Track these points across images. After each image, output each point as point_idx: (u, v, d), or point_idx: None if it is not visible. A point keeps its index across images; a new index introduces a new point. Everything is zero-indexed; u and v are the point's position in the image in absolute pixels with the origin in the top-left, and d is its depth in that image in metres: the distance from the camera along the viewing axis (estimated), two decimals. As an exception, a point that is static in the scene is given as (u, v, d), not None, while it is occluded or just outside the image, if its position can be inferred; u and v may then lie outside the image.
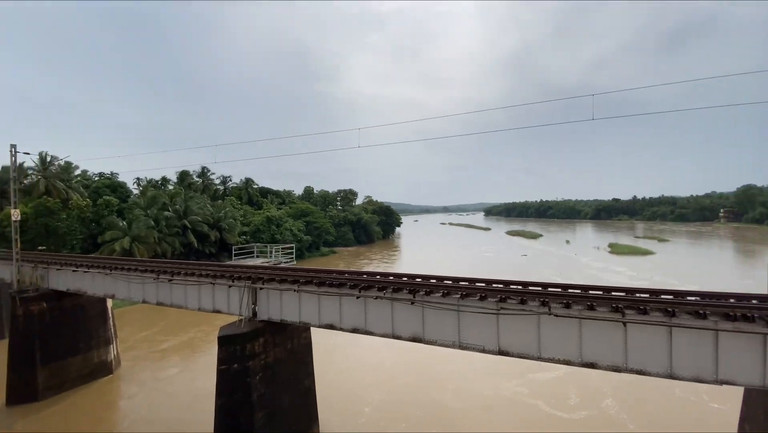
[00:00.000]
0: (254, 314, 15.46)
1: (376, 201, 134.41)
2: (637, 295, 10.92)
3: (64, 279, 22.11)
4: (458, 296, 11.92)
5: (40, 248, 37.78)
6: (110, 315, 25.25)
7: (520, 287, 12.05)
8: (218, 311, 16.32)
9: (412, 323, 12.64)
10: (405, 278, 13.74)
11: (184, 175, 78.05)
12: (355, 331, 13.67)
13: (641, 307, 9.89)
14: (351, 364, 25.05)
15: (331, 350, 26.42)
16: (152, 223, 53.62)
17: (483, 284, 12.50)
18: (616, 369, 10.07)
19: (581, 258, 70.77)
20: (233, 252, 27.69)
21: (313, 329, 16.80)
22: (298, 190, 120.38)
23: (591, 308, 10.39)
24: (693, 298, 10.36)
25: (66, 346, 22.67)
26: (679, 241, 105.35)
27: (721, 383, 9.03)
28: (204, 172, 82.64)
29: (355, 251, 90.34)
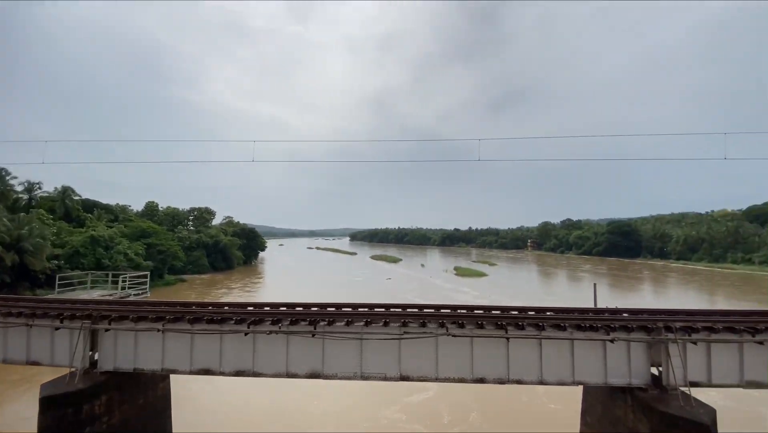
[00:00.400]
0: (93, 364, 11.83)
1: (238, 222, 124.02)
2: (511, 312, 12.59)
3: None
4: (362, 323, 11.60)
5: None
6: None
7: (416, 310, 12.51)
8: (36, 363, 11.92)
9: (311, 358, 11.66)
10: (300, 308, 12.70)
11: (-38, 177, 57.07)
12: (239, 374, 11.82)
13: (519, 323, 11.39)
14: (212, 406, 21.47)
15: (194, 395, 22.17)
16: None
17: (383, 309, 12.50)
18: (501, 382, 11.24)
19: (435, 280, 79.16)
20: (57, 282, 20.70)
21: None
22: (138, 206, 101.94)
23: (480, 326, 11.44)
24: (550, 313, 12.50)
25: None
26: (503, 264, 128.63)
27: (577, 383, 11.00)
28: (1, 175, 62.18)
29: (209, 279, 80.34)
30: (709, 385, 10.66)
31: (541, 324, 11.21)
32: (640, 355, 10.99)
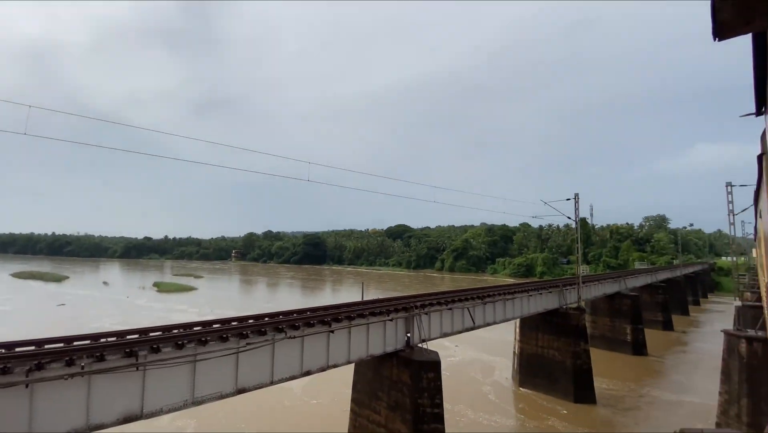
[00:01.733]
0: None
1: None
2: (318, 311, 15.10)
3: None
4: (193, 343, 10.70)
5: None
6: None
7: (252, 321, 12.79)
8: None
9: (126, 398, 9.53)
10: (112, 339, 10.01)
11: None
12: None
13: (338, 317, 14.12)
14: None
15: None
16: None
17: (219, 325, 11.90)
18: (323, 369, 13.54)
19: (135, 300, 66.03)
20: None
21: None
22: None
23: (309, 324, 13.32)
24: (344, 308, 15.98)
25: None
26: (210, 276, 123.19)
27: (370, 356, 14.94)
28: None
29: None
30: (430, 339, 17.38)
31: (341, 317, 14.34)
32: (401, 327, 16.36)
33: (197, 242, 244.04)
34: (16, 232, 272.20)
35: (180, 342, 10.44)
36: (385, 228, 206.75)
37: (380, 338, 15.50)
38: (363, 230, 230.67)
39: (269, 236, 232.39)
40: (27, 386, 8.26)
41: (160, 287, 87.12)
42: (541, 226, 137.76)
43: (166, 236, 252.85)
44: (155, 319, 46.69)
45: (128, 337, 10.38)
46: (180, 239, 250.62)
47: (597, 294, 36.44)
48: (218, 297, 73.85)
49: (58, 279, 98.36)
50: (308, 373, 13.15)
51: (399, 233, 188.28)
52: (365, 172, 45.86)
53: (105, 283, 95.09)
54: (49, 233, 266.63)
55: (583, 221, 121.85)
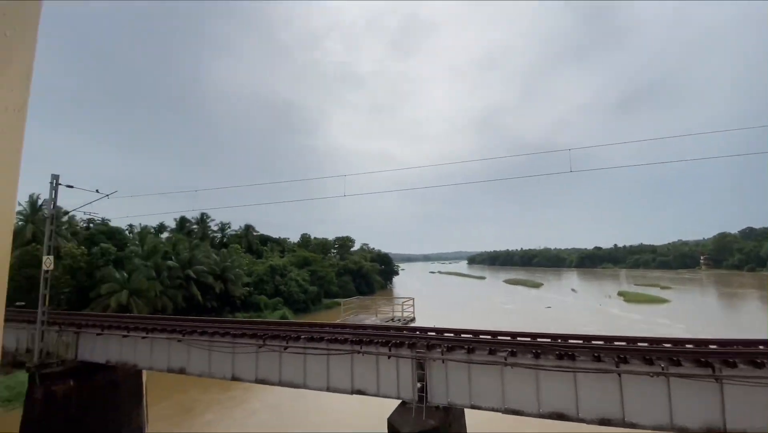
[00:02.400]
0: (421, 398, 11.26)
1: (373, 249, 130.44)
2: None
3: (97, 347, 17.02)
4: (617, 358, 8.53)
5: (18, 303, 32.08)
6: (144, 393, 19.74)
7: (625, 344, 8.90)
8: (360, 392, 11.90)
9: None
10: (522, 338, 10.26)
11: (183, 222, 72.45)
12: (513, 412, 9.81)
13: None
14: None
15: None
16: (153, 274, 47.63)
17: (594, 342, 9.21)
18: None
19: (608, 309, 68.20)
20: (342, 306, 22.84)
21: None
22: (290, 237, 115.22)
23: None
24: None
25: (92, 440, 16.95)
26: (679, 287, 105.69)
27: None
28: (203, 219, 77.21)
29: (360, 303, 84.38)
30: None
31: None
32: None
33: (651, 249, 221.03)
34: (496, 249, 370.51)
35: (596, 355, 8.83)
36: None
37: None
38: None
39: (752, 235, 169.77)
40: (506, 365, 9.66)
41: (627, 297, 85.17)
42: None
43: (615, 245, 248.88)
44: (638, 330, 45.39)
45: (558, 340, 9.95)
46: (631, 246, 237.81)
47: None
48: (697, 313, 61.43)
49: (536, 285, 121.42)
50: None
51: None
52: None
53: (573, 290, 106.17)
54: (518, 249, 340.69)
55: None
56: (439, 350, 10.76)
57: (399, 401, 11.16)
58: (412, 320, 16.78)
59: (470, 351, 10.43)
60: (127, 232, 61.28)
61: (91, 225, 55.50)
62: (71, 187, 17.94)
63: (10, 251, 0.89)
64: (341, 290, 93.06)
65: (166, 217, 74.64)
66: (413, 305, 17.90)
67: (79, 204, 19.04)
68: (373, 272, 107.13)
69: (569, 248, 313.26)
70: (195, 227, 77.49)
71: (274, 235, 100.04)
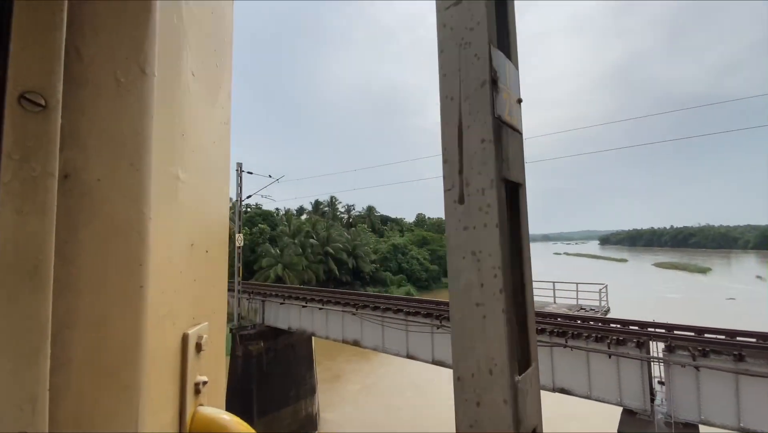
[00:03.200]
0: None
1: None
2: None
3: (280, 314, 19.17)
4: None
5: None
6: (315, 358, 21.83)
7: None
8: (565, 391, 10.47)
9: None
10: None
11: (317, 204, 79.93)
12: None
13: None
14: None
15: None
16: (300, 250, 53.48)
17: None
18: None
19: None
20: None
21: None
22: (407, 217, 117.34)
23: None
24: None
25: (278, 395, 19.42)
26: None
27: None
28: (332, 202, 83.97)
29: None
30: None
31: None
32: None
33: None
34: (627, 228, 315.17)
35: None
36: None
37: None
38: None
39: None
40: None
41: None
42: None
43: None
44: None
45: None
46: None
47: None
48: None
49: (702, 271, 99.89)
50: None
51: None
52: None
53: (759, 277, 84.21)
54: (668, 227, 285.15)
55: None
56: (687, 353, 8.52)
57: (619, 409, 9.35)
58: (608, 311, 14.37)
59: (739, 358, 7.95)
60: (275, 214, 70.29)
61: (248, 209, 65.08)
62: (251, 173, 20.20)
63: (227, 236, 1.10)
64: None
65: (300, 201, 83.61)
66: (606, 292, 15.32)
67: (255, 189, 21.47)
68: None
69: (743, 224, 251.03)
70: (326, 209, 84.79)
71: (391, 215, 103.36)
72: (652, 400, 8.77)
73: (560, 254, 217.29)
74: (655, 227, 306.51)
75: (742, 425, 7.86)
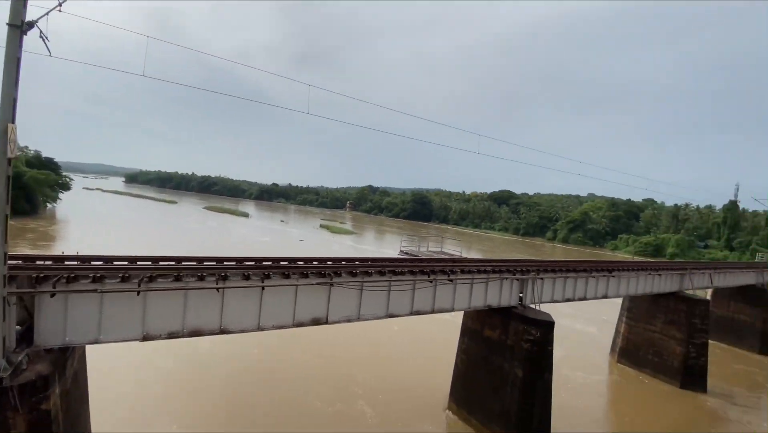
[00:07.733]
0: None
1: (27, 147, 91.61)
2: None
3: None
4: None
5: None
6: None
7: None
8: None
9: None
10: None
11: None
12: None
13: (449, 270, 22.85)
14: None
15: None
16: None
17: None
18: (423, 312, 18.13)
19: (342, 240, 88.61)
20: None
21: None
22: None
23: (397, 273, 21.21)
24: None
25: None
26: (355, 223, 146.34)
27: (487, 306, 21.00)
28: None
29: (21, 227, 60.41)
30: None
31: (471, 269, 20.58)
32: (514, 287, 21.42)
33: (315, 191, 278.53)
34: (146, 168, 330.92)
35: (354, 271, 15.44)
36: (482, 191, 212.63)
37: (481, 293, 20.03)
38: (460, 192, 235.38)
39: (378, 191, 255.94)
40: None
41: (331, 230, 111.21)
42: (676, 204, 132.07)
43: (290, 184, 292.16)
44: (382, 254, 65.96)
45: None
46: (301, 187, 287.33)
47: (727, 284, 36.25)
48: (376, 239, 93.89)
49: (244, 215, 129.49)
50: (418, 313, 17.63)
51: (503, 198, 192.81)
52: (467, 131, 39.53)
53: (282, 221, 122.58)
54: (190, 173, 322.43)
55: (733, 204, 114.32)
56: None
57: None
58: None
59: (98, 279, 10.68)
60: None
61: None
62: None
63: None
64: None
65: None
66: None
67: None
68: (40, 184, 77.66)
69: (249, 180, 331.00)
70: None
71: None
72: None
73: (91, 189, 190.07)
74: (180, 172, 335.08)
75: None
